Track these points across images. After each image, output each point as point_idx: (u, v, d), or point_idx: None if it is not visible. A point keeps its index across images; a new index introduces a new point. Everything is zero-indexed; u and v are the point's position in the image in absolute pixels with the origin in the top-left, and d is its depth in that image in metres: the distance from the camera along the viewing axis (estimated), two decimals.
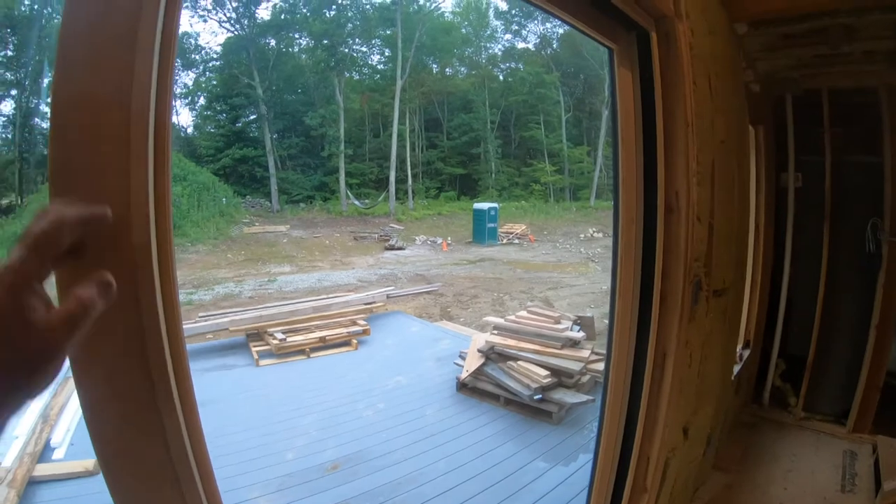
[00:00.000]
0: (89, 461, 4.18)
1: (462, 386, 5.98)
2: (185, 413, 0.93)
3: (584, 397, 5.25)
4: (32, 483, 4.05)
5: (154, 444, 0.90)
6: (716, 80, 2.34)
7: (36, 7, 23.50)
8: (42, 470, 4.20)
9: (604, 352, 5.77)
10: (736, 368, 3.91)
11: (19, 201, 22.94)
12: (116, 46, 0.78)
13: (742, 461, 3.78)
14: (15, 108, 24.38)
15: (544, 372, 5.34)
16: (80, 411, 5.16)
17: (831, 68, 3.81)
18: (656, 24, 1.91)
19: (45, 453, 4.49)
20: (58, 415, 5.08)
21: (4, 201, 23.35)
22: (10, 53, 23.61)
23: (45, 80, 23.89)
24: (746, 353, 4.26)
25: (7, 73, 23.97)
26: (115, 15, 0.78)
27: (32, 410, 5.02)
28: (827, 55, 3.52)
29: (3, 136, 25.14)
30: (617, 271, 2.02)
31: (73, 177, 0.78)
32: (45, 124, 23.86)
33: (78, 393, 0.84)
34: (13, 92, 24.48)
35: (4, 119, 24.87)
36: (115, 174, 0.79)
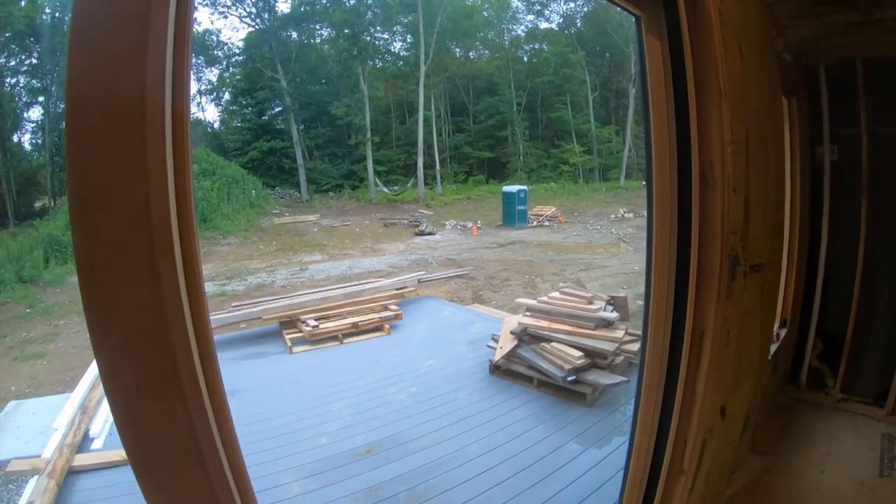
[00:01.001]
0: None
1: (495, 368, 5.97)
2: (212, 401, 0.92)
3: (619, 378, 5.19)
4: (72, 473, 4.16)
5: (181, 434, 0.89)
6: (746, 47, 2.25)
7: (57, 14, 24.03)
8: (81, 460, 4.32)
9: (637, 333, 5.73)
10: (773, 348, 3.81)
11: (52, 203, 23.67)
12: (126, 40, 0.76)
13: (778, 443, 3.71)
14: (43, 114, 25.23)
15: (578, 353, 5.29)
16: None
17: (864, 36, 3.63)
18: None
19: (84, 444, 4.62)
20: (96, 406, 5.21)
21: (38, 204, 24.14)
22: (34, 61, 24.19)
23: None
24: (783, 332, 4.15)
25: (34, 81, 24.62)
26: (124, 10, 0.76)
27: (72, 403, 5.16)
28: (859, 22, 3.36)
29: (34, 141, 26.08)
30: (652, 246, 1.96)
31: (90, 176, 0.77)
32: None
33: (104, 386, 0.84)
34: (40, 98, 25.26)
35: (34, 125, 25.75)
36: (131, 172, 0.78)
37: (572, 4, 37.56)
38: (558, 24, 39.00)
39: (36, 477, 3.98)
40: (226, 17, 34.31)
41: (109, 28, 0.76)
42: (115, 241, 0.78)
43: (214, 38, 32.50)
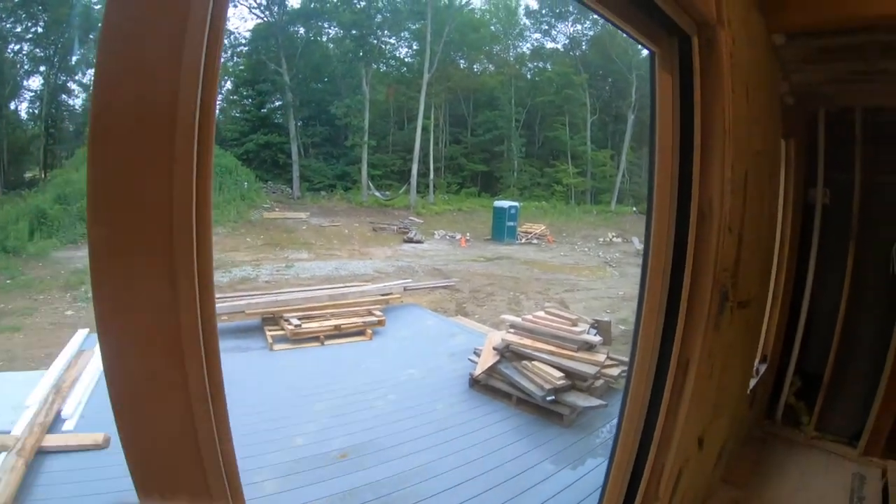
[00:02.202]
0: (99, 434, 4.21)
1: (475, 382, 5.97)
2: (214, 407, 0.93)
3: (597, 402, 5.22)
4: (41, 453, 4.10)
5: (183, 437, 0.89)
6: (753, 90, 2.31)
7: None
8: (52, 440, 4.25)
9: (619, 357, 5.78)
10: (752, 382, 3.87)
11: (42, 175, 23.43)
12: (165, 33, 0.76)
13: (751, 476, 3.74)
14: (43, 84, 24.94)
15: (558, 374, 5.31)
16: (91, 384, 5.23)
17: (867, 85, 3.72)
18: (699, 30, 1.89)
19: (55, 424, 4.55)
20: (70, 387, 5.15)
21: (28, 174, 23.89)
22: (39, 30, 23.95)
23: (74, 58, 24.46)
24: (763, 367, 4.21)
25: (37, 50, 24.38)
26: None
27: (46, 381, 5.09)
28: (863, 71, 3.44)
29: (31, 110, 25.79)
30: (646, 275, 2.00)
31: (114, 175, 0.77)
32: (72, 101, 24.37)
33: (107, 382, 0.83)
34: (42, 68, 24.99)
35: (32, 94, 25.46)
36: (159, 170, 0.78)
37: (579, 27, 37.86)
38: (564, 44, 39.27)
39: (4, 454, 3.91)
40: (235, 6, 34.22)
41: (146, 17, 0.76)
42: (132, 237, 0.79)
43: None
